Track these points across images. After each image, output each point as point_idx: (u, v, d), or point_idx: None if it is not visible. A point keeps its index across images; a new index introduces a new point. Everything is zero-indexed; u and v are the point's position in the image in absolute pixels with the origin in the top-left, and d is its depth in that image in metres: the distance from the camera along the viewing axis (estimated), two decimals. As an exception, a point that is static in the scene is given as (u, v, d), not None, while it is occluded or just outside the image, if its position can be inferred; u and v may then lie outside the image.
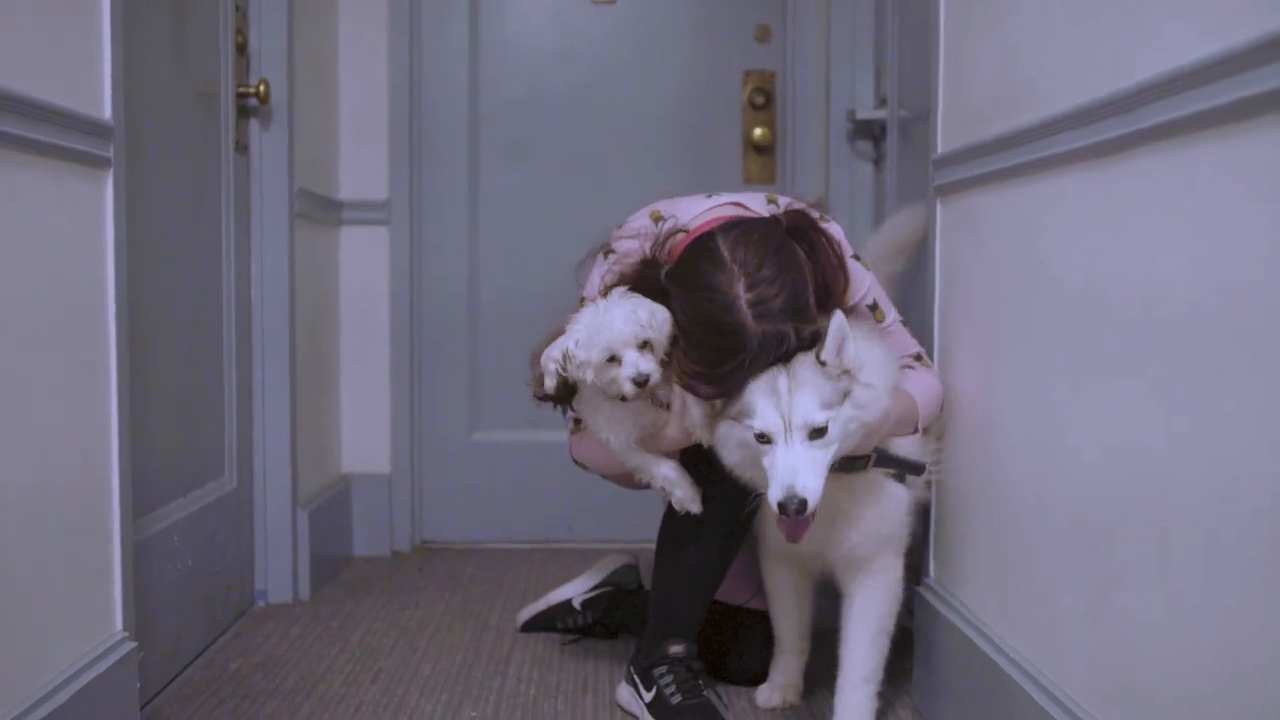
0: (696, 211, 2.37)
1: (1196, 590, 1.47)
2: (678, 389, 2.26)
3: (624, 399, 2.25)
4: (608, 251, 2.42)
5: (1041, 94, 1.95)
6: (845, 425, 2.09)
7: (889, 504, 2.30)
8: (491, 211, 4.05)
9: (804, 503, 2.03)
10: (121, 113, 2.17)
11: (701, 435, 2.25)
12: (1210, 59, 1.40)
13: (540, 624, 3.06)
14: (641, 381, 2.19)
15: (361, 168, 3.92)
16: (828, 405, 2.07)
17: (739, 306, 2.07)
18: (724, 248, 2.13)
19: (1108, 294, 1.69)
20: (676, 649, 2.46)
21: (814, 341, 2.09)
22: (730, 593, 2.71)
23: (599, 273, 2.40)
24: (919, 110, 2.84)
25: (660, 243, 2.29)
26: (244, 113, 3.16)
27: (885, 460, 2.27)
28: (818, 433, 2.06)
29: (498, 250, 4.05)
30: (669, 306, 2.21)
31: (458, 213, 4.03)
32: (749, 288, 2.08)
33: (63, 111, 1.95)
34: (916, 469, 2.31)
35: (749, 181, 3.98)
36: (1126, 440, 1.64)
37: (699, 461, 2.33)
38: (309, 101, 3.51)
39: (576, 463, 2.63)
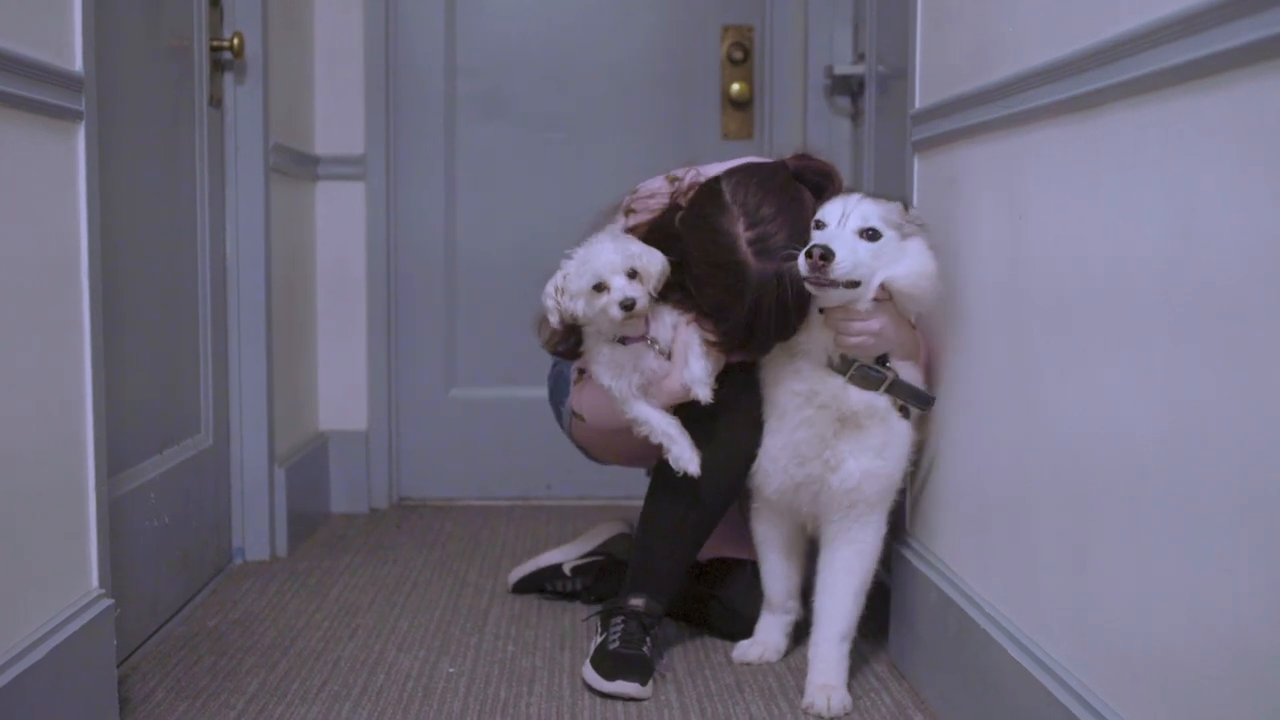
0: (715, 170, 2.42)
1: (1165, 546, 1.48)
2: (681, 338, 2.29)
3: (622, 341, 2.32)
4: (629, 211, 2.48)
5: (1020, 47, 1.94)
6: (898, 255, 2.17)
7: (894, 440, 2.30)
8: (468, 165, 4.02)
9: (829, 251, 2.09)
10: (93, 64, 2.13)
11: (701, 391, 2.27)
12: (1185, 12, 1.40)
13: (530, 585, 3.02)
14: (628, 305, 2.23)
15: (337, 122, 3.88)
16: (890, 223, 2.17)
17: (740, 246, 2.19)
18: (727, 190, 2.24)
19: (1088, 248, 1.69)
20: (636, 602, 2.47)
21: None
22: (717, 546, 2.71)
23: (621, 227, 2.45)
24: (897, 65, 2.83)
25: (684, 192, 2.38)
26: (218, 66, 3.12)
27: (899, 387, 2.27)
28: (869, 234, 2.15)
29: (474, 205, 4.02)
30: (684, 250, 2.29)
31: (434, 167, 4.00)
32: (749, 226, 2.19)
33: (32, 63, 1.92)
34: (926, 401, 2.30)
35: (726, 138, 3.96)
36: (1102, 396, 1.64)
37: (695, 424, 2.36)
38: (284, 54, 3.47)
39: (574, 441, 2.69)
